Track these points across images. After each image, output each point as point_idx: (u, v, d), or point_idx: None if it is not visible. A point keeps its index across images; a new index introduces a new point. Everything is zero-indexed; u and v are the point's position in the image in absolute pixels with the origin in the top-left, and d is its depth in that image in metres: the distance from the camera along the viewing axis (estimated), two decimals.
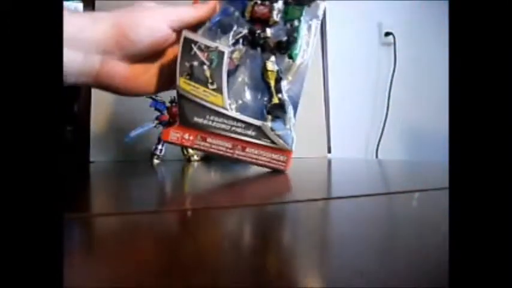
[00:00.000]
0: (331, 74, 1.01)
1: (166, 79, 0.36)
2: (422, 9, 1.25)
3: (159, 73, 0.36)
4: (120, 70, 0.32)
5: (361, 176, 0.41)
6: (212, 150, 0.35)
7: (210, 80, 0.34)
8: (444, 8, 1.21)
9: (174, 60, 0.34)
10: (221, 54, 0.34)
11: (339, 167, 0.51)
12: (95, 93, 0.76)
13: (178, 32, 0.34)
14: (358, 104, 1.15)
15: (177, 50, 0.34)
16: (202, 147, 0.35)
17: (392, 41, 1.18)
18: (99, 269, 0.10)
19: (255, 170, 0.36)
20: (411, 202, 0.19)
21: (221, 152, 0.35)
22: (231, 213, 0.18)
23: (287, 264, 0.10)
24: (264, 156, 0.35)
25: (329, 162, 0.63)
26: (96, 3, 0.77)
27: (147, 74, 0.35)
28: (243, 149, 0.35)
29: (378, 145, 1.15)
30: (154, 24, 0.32)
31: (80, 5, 0.76)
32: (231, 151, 0.35)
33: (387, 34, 1.18)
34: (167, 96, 0.66)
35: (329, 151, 0.97)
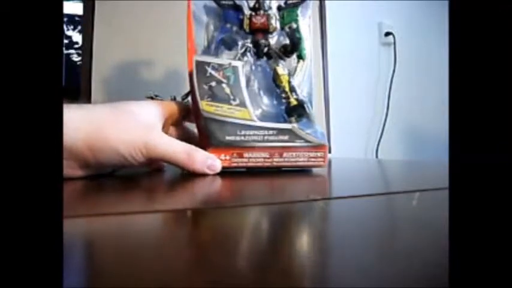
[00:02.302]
0: (331, 74, 1.01)
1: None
2: (422, 9, 1.25)
3: None
4: (77, 174, 0.31)
5: (361, 176, 0.41)
6: (250, 164, 0.35)
7: (231, 97, 0.34)
8: (444, 8, 1.21)
9: None
10: (236, 69, 0.35)
11: (339, 167, 0.51)
12: (95, 94, 0.76)
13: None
14: (358, 104, 1.15)
15: None
16: (240, 164, 0.35)
17: (392, 41, 1.18)
18: (99, 269, 0.10)
19: (258, 170, 0.36)
20: (411, 202, 0.19)
21: (260, 164, 0.35)
22: (231, 213, 0.18)
23: (286, 264, 0.10)
24: (302, 157, 0.36)
25: (329, 162, 0.63)
26: (96, 2, 0.78)
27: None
28: (281, 155, 0.35)
29: (378, 145, 1.15)
30: (130, 155, 0.30)
31: (80, 5, 0.76)
32: (270, 160, 0.35)
33: (387, 34, 1.18)
34: (167, 95, 0.66)
35: (329, 151, 0.97)
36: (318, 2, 1.00)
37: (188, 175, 0.34)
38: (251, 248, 0.12)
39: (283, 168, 0.36)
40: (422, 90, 1.25)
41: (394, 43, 1.18)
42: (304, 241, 0.13)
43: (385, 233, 0.14)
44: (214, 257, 0.11)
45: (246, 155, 0.35)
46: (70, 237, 0.13)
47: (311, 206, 0.20)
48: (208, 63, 0.34)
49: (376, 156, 1.14)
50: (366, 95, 1.17)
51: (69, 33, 0.98)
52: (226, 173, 0.35)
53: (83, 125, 0.29)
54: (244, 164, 0.35)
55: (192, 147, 0.33)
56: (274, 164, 0.35)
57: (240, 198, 0.24)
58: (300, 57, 0.37)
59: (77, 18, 0.95)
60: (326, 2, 1.01)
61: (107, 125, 0.30)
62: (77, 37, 0.99)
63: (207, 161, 0.33)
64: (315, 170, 0.37)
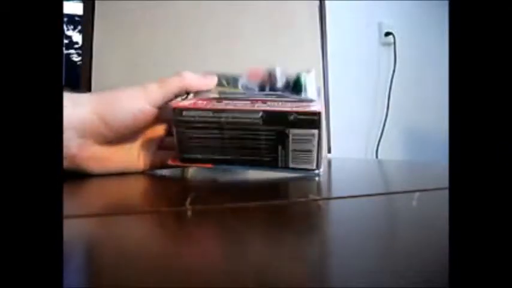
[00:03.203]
0: (331, 74, 1.01)
1: (151, 158, 0.36)
2: (422, 9, 1.25)
3: (139, 152, 0.35)
4: (96, 152, 0.32)
5: (361, 176, 0.41)
6: (229, 107, 0.32)
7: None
8: (444, 8, 1.21)
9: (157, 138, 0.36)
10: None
11: (339, 167, 0.51)
12: None
13: (160, 108, 0.33)
14: (358, 104, 1.15)
15: (156, 129, 0.35)
16: (217, 107, 0.31)
17: (392, 41, 1.18)
18: (99, 269, 0.10)
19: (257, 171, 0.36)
20: (411, 202, 0.19)
21: (240, 107, 0.32)
22: (231, 213, 0.18)
23: (286, 264, 0.10)
24: (290, 104, 0.33)
25: (329, 162, 0.63)
26: (96, 2, 0.78)
27: (121, 153, 0.34)
28: (264, 102, 0.33)
29: (378, 145, 1.15)
30: (136, 107, 0.31)
31: (80, 5, 0.76)
32: (251, 105, 0.32)
33: (387, 34, 1.18)
34: None
35: (329, 151, 0.97)
36: (318, 2, 1.00)
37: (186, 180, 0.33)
38: (250, 248, 0.12)
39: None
40: (422, 90, 1.25)
41: (394, 43, 1.18)
42: (303, 241, 0.13)
43: (385, 233, 0.14)
44: (214, 257, 0.11)
45: (225, 101, 0.33)
46: (69, 237, 0.13)
47: (311, 206, 0.20)
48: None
49: (376, 156, 1.14)
50: (366, 95, 1.17)
51: (69, 33, 0.98)
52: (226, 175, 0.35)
53: (87, 101, 0.31)
54: (221, 108, 0.32)
55: (178, 74, 0.34)
56: (256, 107, 0.32)
57: (240, 197, 0.24)
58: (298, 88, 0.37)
59: (77, 18, 0.95)
60: (326, 2, 1.01)
61: (110, 95, 0.32)
62: (77, 37, 0.99)
63: (197, 77, 0.35)
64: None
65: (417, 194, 0.22)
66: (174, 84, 0.33)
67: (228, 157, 0.32)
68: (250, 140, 0.32)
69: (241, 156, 0.32)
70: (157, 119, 0.35)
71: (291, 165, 0.32)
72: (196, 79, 0.34)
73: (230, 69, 0.38)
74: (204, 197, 0.25)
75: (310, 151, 0.32)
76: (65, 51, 0.98)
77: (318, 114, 0.30)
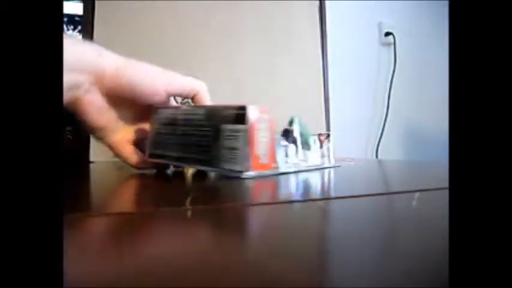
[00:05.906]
0: (331, 74, 1.01)
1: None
2: (422, 9, 1.25)
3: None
4: (97, 99, 0.34)
5: (361, 176, 0.41)
6: (184, 107, 0.35)
7: None
8: (444, 8, 1.21)
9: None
10: None
11: (339, 167, 0.51)
12: None
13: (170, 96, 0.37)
14: (358, 104, 1.15)
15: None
16: (177, 106, 0.36)
17: (392, 41, 1.18)
18: (99, 269, 0.10)
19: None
20: (411, 202, 0.19)
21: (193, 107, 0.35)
22: (231, 213, 0.18)
23: (286, 264, 0.10)
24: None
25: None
26: (96, 2, 0.78)
27: (113, 116, 0.36)
28: None
29: (377, 145, 1.15)
30: (153, 83, 0.35)
31: (80, 5, 0.76)
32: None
33: (387, 34, 1.18)
34: None
35: None
36: (317, 2, 1.00)
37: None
38: (250, 248, 0.12)
39: None
40: (422, 90, 1.25)
41: (394, 43, 1.18)
42: (303, 241, 0.13)
43: (385, 233, 0.14)
44: (213, 257, 0.11)
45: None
46: (70, 236, 0.13)
47: (311, 206, 0.20)
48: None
49: (376, 156, 1.14)
50: (366, 95, 1.17)
51: (69, 33, 0.98)
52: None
53: (117, 56, 0.34)
54: (179, 106, 0.35)
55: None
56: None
57: (240, 197, 0.24)
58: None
59: (77, 18, 0.95)
60: (326, 2, 1.01)
61: (140, 63, 0.35)
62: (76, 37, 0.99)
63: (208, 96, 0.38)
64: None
65: (417, 194, 0.22)
66: (193, 83, 0.36)
67: (178, 154, 0.34)
68: (195, 137, 0.33)
69: (188, 154, 0.33)
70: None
71: (222, 164, 0.31)
72: (207, 96, 0.37)
73: (230, 69, 0.39)
74: (201, 197, 0.25)
75: (236, 149, 0.30)
76: None
77: (244, 108, 0.29)
